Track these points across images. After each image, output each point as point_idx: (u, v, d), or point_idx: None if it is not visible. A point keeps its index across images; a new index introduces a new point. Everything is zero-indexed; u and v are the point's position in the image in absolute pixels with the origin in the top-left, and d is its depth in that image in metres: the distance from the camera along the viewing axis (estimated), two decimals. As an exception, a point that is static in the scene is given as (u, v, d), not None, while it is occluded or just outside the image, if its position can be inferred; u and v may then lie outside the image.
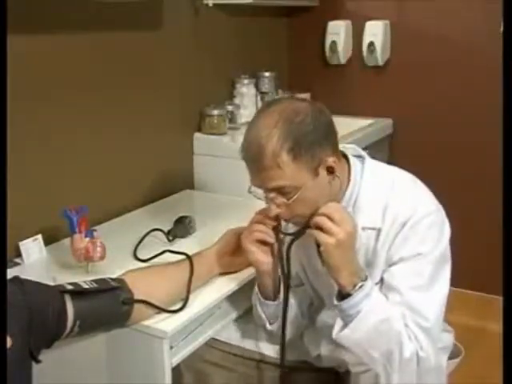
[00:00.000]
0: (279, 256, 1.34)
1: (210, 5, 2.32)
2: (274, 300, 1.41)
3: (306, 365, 1.53)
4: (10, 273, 1.38)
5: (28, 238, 1.68)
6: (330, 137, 1.25)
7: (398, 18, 2.74)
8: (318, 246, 1.23)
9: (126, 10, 1.97)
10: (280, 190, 1.22)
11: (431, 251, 1.26)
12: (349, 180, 1.32)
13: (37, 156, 1.76)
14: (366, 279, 1.23)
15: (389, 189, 1.31)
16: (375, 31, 2.71)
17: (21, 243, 1.66)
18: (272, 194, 1.24)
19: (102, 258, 1.52)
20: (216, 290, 1.48)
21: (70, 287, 1.22)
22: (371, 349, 1.24)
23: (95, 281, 1.27)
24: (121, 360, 1.39)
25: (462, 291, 2.57)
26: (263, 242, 1.34)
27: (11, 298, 1.07)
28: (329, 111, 1.27)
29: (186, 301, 1.38)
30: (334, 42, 2.80)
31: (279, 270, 1.37)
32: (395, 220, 1.27)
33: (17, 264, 1.65)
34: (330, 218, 1.20)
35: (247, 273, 1.52)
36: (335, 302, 1.25)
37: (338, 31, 2.79)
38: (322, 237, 1.20)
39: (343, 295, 1.23)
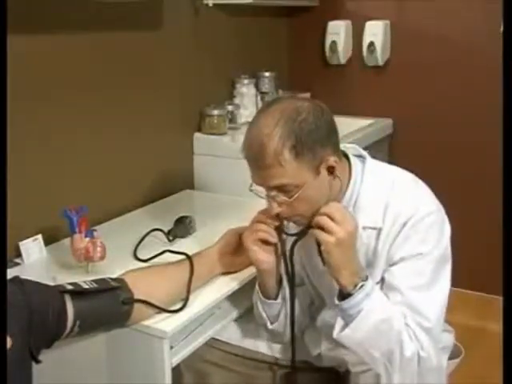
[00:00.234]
0: (283, 256, 1.35)
1: (210, 5, 2.32)
2: (275, 299, 1.42)
3: (306, 364, 1.53)
4: (10, 273, 1.39)
5: (28, 238, 1.68)
6: (331, 136, 1.25)
7: (398, 18, 2.74)
8: (319, 245, 1.23)
9: (125, 10, 1.97)
10: (281, 188, 1.22)
11: (432, 251, 1.26)
12: (349, 180, 1.32)
13: (37, 156, 1.75)
14: (366, 279, 1.23)
15: (389, 188, 1.31)
16: (375, 31, 2.71)
17: (21, 243, 1.66)
18: (273, 192, 1.24)
19: (102, 258, 1.52)
20: (216, 290, 1.48)
21: (69, 287, 1.22)
22: (372, 348, 1.24)
23: (95, 281, 1.27)
24: (121, 360, 1.39)
25: (462, 291, 2.57)
26: (265, 242, 1.34)
27: (11, 298, 1.07)
28: (330, 111, 1.27)
29: (186, 301, 1.38)
30: (333, 42, 2.80)
31: (282, 270, 1.38)
32: (396, 219, 1.27)
33: (17, 264, 1.65)
34: (330, 218, 1.20)
35: (247, 273, 1.52)
36: (336, 302, 1.25)
37: (337, 31, 2.79)
38: (323, 235, 1.21)
39: (344, 295, 1.24)
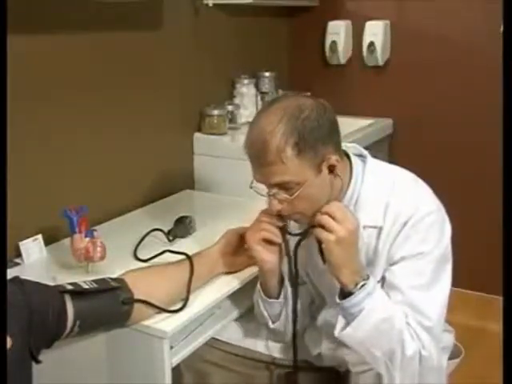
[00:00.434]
0: (288, 257, 1.35)
1: (210, 5, 2.32)
2: (276, 298, 1.42)
3: (307, 364, 1.53)
4: (10, 273, 1.39)
5: (28, 238, 1.68)
6: (333, 134, 1.25)
7: (398, 18, 2.73)
8: (320, 244, 1.24)
9: (125, 10, 1.97)
10: (282, 186, 1.23)
11: (432, 250, 1.26)
12: (350, 179, 1.32)
13: (37, 156, 1.75)
14: (368, 278, 1.23)
15: (390, 188, 1.31)
16: (375, 31, 2.71)
17: (21, 243, 1.66)
18: (274, 190, 1.24)
19: (102, 258, 1.52)
20: (216, 290, 1.48)
21: (69, 287, 1.22)
22: (373, 347, 1.24)
23: (95, 281, 1.27)
24: (121, 360, 1.39)
25: (462, 291, 2.57)
26: (269, 242, 1.34)
27: (11, 298, 1.07)
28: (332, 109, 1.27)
29: (186, 301, 1.38)
30: (334, 42, 2.80)
31: (284, 269, 1.38)
32: (396, 219, 1.28)
33: (17, 264, 1.65)
34: (331, 217, 1.21)
35: (247, 272, 1.52)
36: (337, 301, 1.25)
37: (337, 31, 2.79)
38: (324, 234, 1.21)
39: (345, 294, 1.24)
